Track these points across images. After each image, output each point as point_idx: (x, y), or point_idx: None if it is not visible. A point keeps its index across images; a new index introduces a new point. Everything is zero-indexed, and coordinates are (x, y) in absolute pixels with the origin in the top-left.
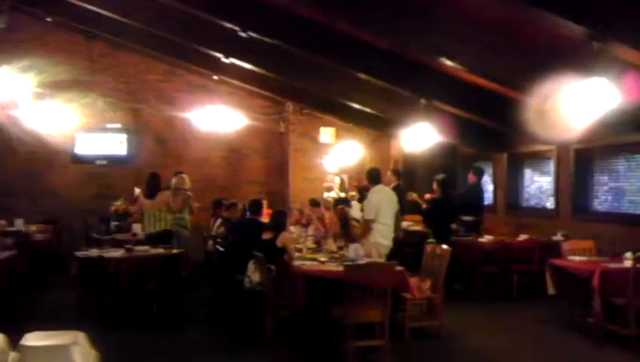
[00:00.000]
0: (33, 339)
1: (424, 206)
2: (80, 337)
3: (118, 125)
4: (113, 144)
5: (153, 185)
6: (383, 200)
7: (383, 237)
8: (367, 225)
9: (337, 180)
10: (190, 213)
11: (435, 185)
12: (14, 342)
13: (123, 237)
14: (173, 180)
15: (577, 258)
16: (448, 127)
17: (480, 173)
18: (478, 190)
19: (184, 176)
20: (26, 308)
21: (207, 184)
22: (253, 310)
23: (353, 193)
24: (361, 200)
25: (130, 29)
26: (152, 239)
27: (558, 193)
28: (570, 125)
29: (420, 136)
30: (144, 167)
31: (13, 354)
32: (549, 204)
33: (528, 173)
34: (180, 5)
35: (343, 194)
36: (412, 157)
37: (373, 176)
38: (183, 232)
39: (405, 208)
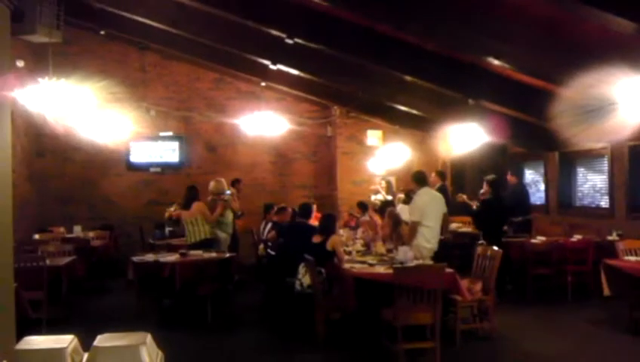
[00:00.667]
0: (104, 340)
1: (474, 207)
2: (148, 338)
3: (170, 133)
4: (166, 151)
5: (190, 197)
6: (429, 202)
7: (425, 239)
8: (413, 228)
9: (384, 183)
10: (236, 217)
11: (485, 186)
12: (82, 343)
13: (177, 242)
14: (210, 185)
15: (633, 258)
16: (497, 126)
17: (519, 174)
18: (522, 190)
19: (220, 180)
20: (86, 311)
21: (256, 189)
22: (304, 312)
23: (400, 195)
24: (406, 202)
25: (180, 40)
26: (194, 249)
27: (612, 191)
28: (623, 122)
29: (468, 137)
30: (196, 174)
31: (86, 355)
32: (603, 203)
33: (581, 172)
34: (228, 15)
35: (389, 197)
36: (460, 158)
37: (419, 179)
38: (219, 235)
39: (453, 209)
